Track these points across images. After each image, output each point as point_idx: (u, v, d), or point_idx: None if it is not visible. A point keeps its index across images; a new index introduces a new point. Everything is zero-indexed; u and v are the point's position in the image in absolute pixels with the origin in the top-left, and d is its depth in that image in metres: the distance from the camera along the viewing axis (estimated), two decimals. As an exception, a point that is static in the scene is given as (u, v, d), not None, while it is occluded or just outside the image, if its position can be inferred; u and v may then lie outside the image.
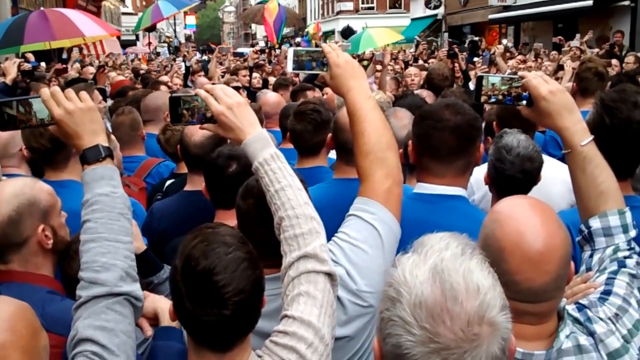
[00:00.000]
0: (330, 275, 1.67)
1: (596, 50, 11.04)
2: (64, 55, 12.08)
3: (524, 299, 1.44)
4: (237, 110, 1.81)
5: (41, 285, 1.95)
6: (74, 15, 8.95)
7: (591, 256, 1.84)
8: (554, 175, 2.75)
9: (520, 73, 2.03)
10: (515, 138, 2.52)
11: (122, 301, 1.59)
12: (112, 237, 1.64)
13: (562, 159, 2.73)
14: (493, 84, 1.97)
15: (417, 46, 11.80)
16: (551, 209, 1.55)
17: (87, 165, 1.74)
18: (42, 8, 12.79)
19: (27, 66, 7.62)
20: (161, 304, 1.88)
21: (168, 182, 3.52)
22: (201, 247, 1.50)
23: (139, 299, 1.65)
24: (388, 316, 1.12)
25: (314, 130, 3.11)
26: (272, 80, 9.10)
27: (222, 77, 9.22)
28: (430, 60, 11.26)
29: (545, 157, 2.68)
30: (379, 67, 7.50)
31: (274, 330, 1.59)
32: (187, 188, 3.05)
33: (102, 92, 6.48)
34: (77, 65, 9.75)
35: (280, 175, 1.74)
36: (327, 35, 42.36)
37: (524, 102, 1.94)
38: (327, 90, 6.58)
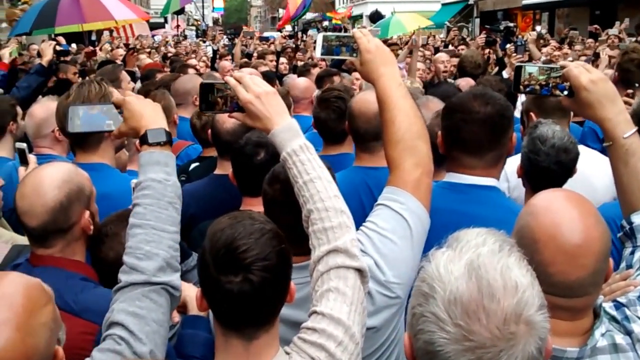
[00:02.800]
0: (360, 272, 1.63)
1: (634, 38, 10.71)
2: (93, 37, 12.17)
3: (558, 293, 1.39)
4: (265, 99, 1.78)
5: (76, 271, 1.96)
6: None
7: (632, 253, 1.79)
8: (597, 167, 2.68)
9: (560, 62, 1.97)
10: (550, 129, 2.46)
11: (159, 290, 1.61)
12: (158, 226, 1.67)
13: (602, 151, 2.68)
14: (530, 74, 1.92)
15: (448, 32, 11.61)
16: (589, 202, 1.51)
17: (147, 147, 1.77)
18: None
19: (58, 47, 7.69)
20: (190, 292, 1.87)
21: (193, 165, 3.53)
22: (227, 221, 1.51)
23: (176, 289, 1.66)
24: (420, 312, 1.10)
25: (337, 118, 3.09)
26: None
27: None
28: (461, 47, 11.07)
29: (586, 149, 2.62)
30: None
31: (302, 326, 1.56)
32: (217, 172, 3.05)
33: (132, 74, 6.52)
34: (107, 46, 9.81)
35: (309, 167, 1.71)
36: (356, 19, 42.00)
37: (564, 92, 1.88)
38: (357, 75, 6.55)
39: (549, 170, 2.42)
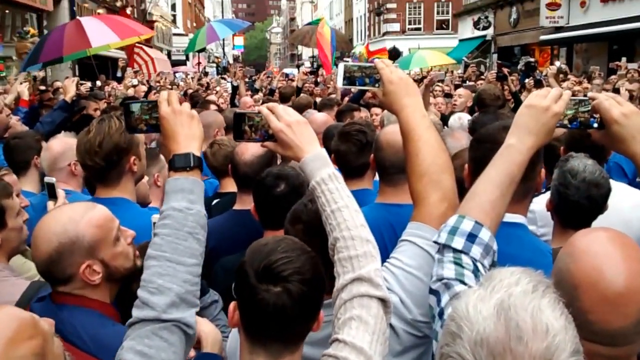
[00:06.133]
0: (383, 301, 1.60)
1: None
2: (119, 74, 12.42)
3: (597, 340, 1.31)
4: (296, 128, 1.80)
5: (94, 309, 1.92)
6: (107, 21, 9.00)
7: None
8: (632, 201, 2.61)
9: (590, 94, 1.91)
10: (581, 162, 2.41)
11: (170, 327, 1.53)
12: (174, 258, 1.59)
13: (630, 185, 2.61)
14: None
15: (465, 67, 11.65)
16: (635, 243, 1.42)
17: (174, 173, 1.71)
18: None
19: (86, 86, 7.81)
20: (205, 327, 1.85)
21: (214, 202, 3.53)
22: (270, 238, 1.60)
23: (190, 327, 1.57)
24: (447, 352, 1.06)
25: (358, 152, 3.06)
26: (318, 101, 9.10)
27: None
28: (479, 82, 11.09)
29: (618, 183, 2.55)
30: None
31: (323, 354, 1.53)
32: (236, 207, 3.05)
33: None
34: (128, 81, 9.94)
35: (337, 196, 1.71)
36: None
37: (594, 125, 1.83)
38: (375, 110, 6.56)
39: (579, 204, 2.36)
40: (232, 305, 1.55)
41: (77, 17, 11.14)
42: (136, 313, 1.55)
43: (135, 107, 1.85)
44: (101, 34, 8.33)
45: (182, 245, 1.61)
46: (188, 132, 1.76)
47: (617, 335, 1.32)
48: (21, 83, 6.61)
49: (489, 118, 4.36)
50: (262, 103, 8.05)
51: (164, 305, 1.53)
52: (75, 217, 1.92)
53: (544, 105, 1.77)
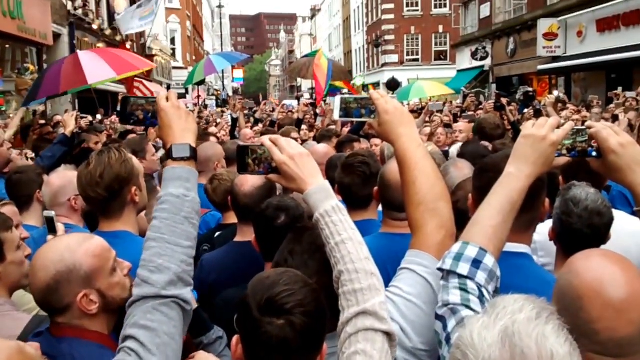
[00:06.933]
0: (389, 335, 1.60)
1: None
2: (119, 107, 12.51)
3: (606, 352, 1.32)
4: (299, 160, 1.81)
5: (93, 340, 1.91)
6: (105, 55, 9.00)
7: None
8: (631, 228, 2.61)
9: (587, 123, 1.94)
10: (583, 191, 2.42)
11: (169, 304, 1.64)
12: (172, 240, 1.71)
13: (632, 214, 2.60)
14: None
15: (464, 98, 11.76)
16: (627, 259, 1.47)
17: (171, 162, 1.82)
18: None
19: (86, 120, 7.87)
20: None
21: (217, 234, 3.52)
22: (272, 271, 1.60)
23: (187, 303, 1.69)
24: None
25: (362, 183, 3.05)
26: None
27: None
28: (478, 112, 11.16)
29: (618, 211, 2.55)
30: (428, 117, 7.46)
31: None
32: (237, 239, 3.04)
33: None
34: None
35: (341, 228, 1.71)
36: (373, 87, 42.89)
37: (593, 154, 1.85)
38: (375, 141, 6.59)
39: (581, 233, 2.36)
40: (235, 339, 1.55)
41: (76, 51, 11.24)
42: (137, 291, 1.66)
43: (133, 100, 1.99)
44: (98, 70, 8.39)
45: (179, 228, 1.73)
46: (185, 126, 1.89)
47: (624, 345, 1.32)
48: (22, 119, 6.64)
49: (473, 147, 4.40)
50: (262, 134, 8.11)
51: (163, 282, 1.65)
52: (72, 246, 1.94)
53: (541, 135, 1.81)
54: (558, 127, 1.84)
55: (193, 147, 1.86)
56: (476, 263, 1.65)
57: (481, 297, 1.61)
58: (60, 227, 2.65)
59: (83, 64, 8.32)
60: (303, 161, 1.82)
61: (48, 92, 8.42)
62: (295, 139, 2.02)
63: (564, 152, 1.88)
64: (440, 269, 1.72)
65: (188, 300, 1.69)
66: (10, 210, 3.03)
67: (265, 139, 1.88)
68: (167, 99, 1.92)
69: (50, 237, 2.65)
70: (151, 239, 1.72)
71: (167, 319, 1.63)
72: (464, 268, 1.65)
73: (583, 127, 1.88)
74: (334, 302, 1.68)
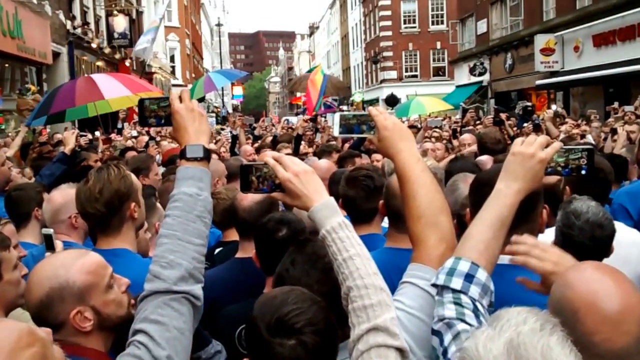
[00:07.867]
0: (401, 351, 1.59)
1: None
2: (120, 125, 12.54)
3: None
4: (303, 177, 1.81)
5: (90, 358, 1.89)
6: (117, 77, 9.25)
7: None
8: (631, 238, 2.62)
9: (369, 108, 2.09)
10: (585, 204, 2.43)
11: (180, 299, 1.68)
12: (184, 237, 1.75)
13: (635, 226, 2.61)
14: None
15: (463, 113, 11.82)
16: (619, 270, 1.49)
17: (185, 162, 1.87)
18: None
19: (86, 138, 7.89)
20: None
21: (217, 251, 3.51)
22: (278, 290, 1.61)
23: (198, 299, 1.73)
24: None
25: (367, 197, 3.05)
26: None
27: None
28: (477, 127, 11.18)
29: (617, 223, 2.55)
30: (427, 132, 7.46)
31: None
32: (238, 255, 3.03)
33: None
34: (127, 132, 9.96)
35: (348, 244, 1.70)
36: (372, 103, 43.07)
37: (582, 172, 1.89)
38: (376, 156, 6.59)
39: (583, 246, 2.36)
40: None
41: (88, 75, 11.41)
42: (148, 286, 1.70)
43: (148, 102, 2.02)
44: (113, 87, 8.60)
45: (191, 226, 1.77)
46: (198, 127, 1.93)
47: (623, 355, 1.33)
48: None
49: (461, 164, 4.39)
50: (258, 149, 8.13)
51: (174, 278, 1.69)
52: (67, 262, 1.94)
53: (529, 152, 1.87)
54: (547, 146, 1.89)
55: (206, 148, 1.91)
56: (469, 277, 1.69)
57: (476, 311, 1.63)
58: (58, 245, 2.64)
59: (98, 82, 8.59)
60: (307, 178, 1.81)
61: (62, 106, 8.59)
62: (288, 154, 2.02)
63: (559, 169, 1.91)
64: (434, 285, 1.74)
65: (199, 296, 1.73)
66: (8, 229, 3.02)
67: (269, 158, 1.88)
68: (181, 99, 1.97)
69: (48, 254, 2.64)
70: (163, 235, 1.76)
71: (178, 314, 1.66)
72: (457, 283, 1.68)
73: (575, 147, 1.92)
74: (337, 309, 1.66)
